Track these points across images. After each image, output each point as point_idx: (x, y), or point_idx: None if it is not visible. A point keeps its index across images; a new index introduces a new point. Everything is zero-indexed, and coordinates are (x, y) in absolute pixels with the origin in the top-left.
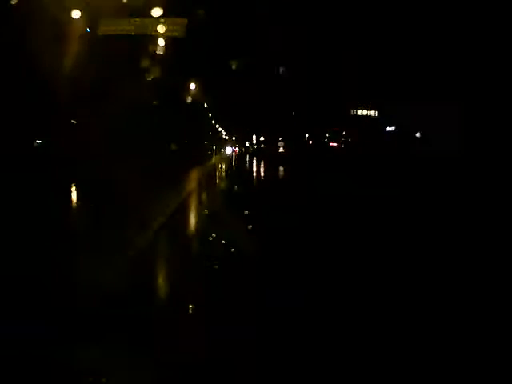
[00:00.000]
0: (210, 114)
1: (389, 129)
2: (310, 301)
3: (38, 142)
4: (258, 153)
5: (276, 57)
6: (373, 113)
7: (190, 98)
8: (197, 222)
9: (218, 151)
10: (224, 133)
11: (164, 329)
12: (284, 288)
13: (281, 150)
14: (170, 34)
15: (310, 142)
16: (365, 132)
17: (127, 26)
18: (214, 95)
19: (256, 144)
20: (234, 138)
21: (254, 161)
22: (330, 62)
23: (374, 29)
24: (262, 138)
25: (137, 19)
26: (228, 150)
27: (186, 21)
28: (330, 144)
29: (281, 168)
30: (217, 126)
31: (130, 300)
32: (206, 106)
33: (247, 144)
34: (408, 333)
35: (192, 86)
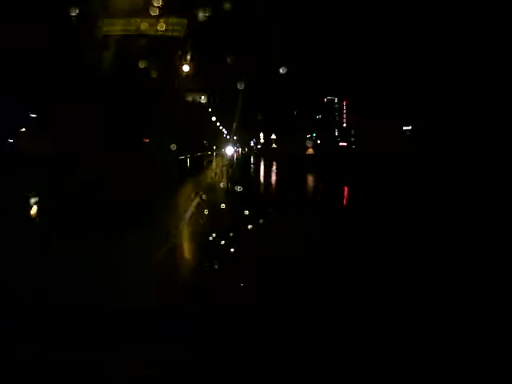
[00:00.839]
0: (210, 109)
1: (405, 128)
2: None
3: (9, 140)
4: (268, 153)
5: (277, 56)
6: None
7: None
8: None
9: (217, 152)
10: (225, 131)
11: None
12: None
13: (309, 151)
14: (170, 33)
15: (318, 141)
16: (378, 131)
17: (127, 26)
18: (214, 94)
19: (264, 143)
20: (235, 138)
21: (275, 170)
22: (337, 59)
23: (378, 26)
24: (273, 136)
25: (137, 19)
26: (229, 150)
27: (185, 21)
28: (340, 144)
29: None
30: (217, 123)
31: None
32: (205, 100)
33: (252, 143)
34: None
35: (186, 68)
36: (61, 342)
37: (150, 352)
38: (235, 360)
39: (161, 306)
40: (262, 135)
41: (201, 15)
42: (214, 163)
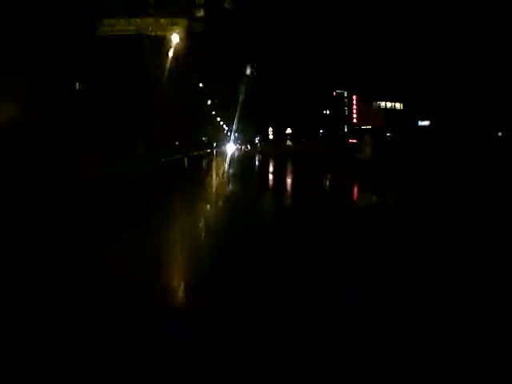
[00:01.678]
0: (209, 102)
1: (421, 123)
2: None
3: None
4: (282, 153)
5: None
6: (398, 105)
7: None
8: None
9: (218, 149)
10: (226, 127)
11: None
12: None
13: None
14: (170, 33)
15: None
16: (393, 126)
17: (128, 26)
18: (215, 91)
19: (274, 140)
20: (236, 134)
21: None
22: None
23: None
24: (288, 131)
25: (137, 19)
26: (230, 148)
27: (186, 21)
28: (350, 140)
29: None
30: (218, 118)
31: None
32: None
33: (256, 140)
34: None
35: (175, 38)
36: (60, 341)
37: (149, 352)
38: (235, 359)
39: (161, 306)
40: (270, 130)
41: (202, 13)
42: (213, 169)
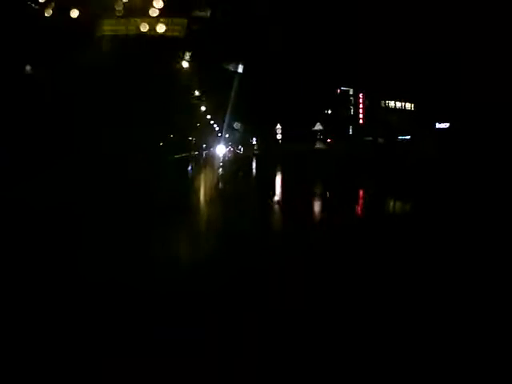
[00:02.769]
0: (198, 93)
1: (439, 125)
2: None
3: None
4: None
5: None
6: (408, 105)
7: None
8: None
9: (208, 152)
10: (217, 128)
11: None
12: None
13: None
14: (170, 33)
15: (328, 140)
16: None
17: (127, 26)
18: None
19: (285, 139)
20: (226, 136)
21: None
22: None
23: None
24: (318, 127)
25: (137, 19)
26: (220, 150)
27: (185, 21)
28: None
29: None
30: (208, 116)
31: None
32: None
33: (254, 141)
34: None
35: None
36: (60, 341)
37: (150, 352)
38: (235, 361)
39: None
40: (279, 128)
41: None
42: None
